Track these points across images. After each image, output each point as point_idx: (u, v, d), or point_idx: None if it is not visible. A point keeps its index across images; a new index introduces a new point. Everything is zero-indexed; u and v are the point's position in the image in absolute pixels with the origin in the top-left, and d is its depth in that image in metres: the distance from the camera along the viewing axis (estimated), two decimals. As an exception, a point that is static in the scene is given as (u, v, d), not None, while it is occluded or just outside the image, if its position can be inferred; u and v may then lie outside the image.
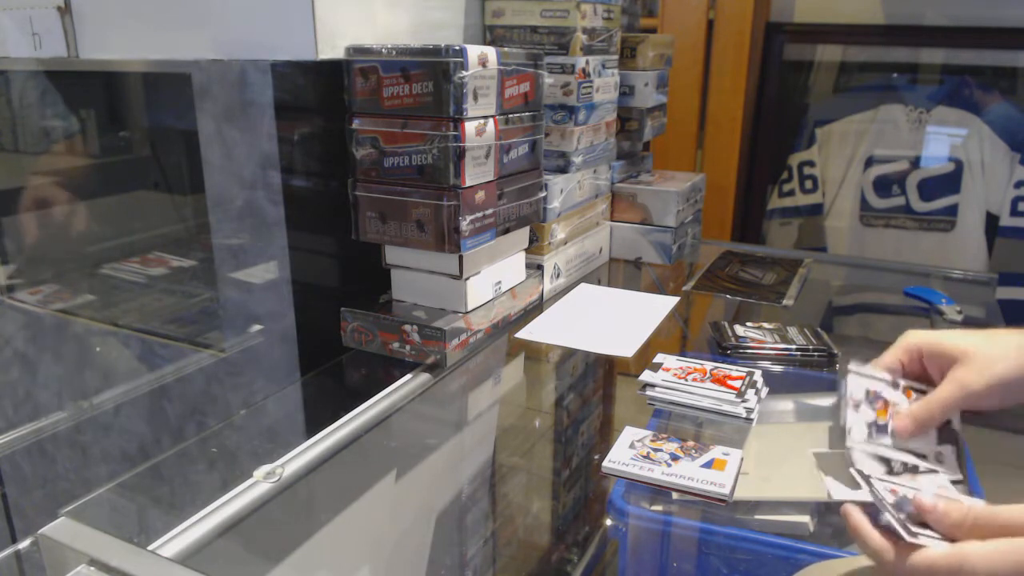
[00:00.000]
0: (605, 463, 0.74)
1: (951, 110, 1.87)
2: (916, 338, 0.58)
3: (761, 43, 1.99)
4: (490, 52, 0.85)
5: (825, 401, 1.02)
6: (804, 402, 1.02)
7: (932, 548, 0.42)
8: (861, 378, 0.58)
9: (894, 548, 0.44)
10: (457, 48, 0.80)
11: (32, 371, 1.17)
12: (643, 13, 2.03)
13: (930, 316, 1.15)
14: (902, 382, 0.58)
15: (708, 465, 0.73)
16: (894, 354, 0.58)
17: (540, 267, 1.08)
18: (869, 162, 1.96)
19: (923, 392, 0.56)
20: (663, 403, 0.83)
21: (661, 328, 1.02)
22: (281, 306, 0.87)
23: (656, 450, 0.75)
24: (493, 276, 0.96)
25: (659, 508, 0.85)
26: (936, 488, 0.50)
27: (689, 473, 0.71)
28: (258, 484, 0.65)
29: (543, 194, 1.02)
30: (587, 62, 1.09)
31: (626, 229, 1.31)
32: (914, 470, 0.52)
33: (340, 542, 0.73)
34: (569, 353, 1.02)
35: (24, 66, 1.05)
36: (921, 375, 0.58)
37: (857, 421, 0.56)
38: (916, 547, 0.42)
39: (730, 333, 1.03)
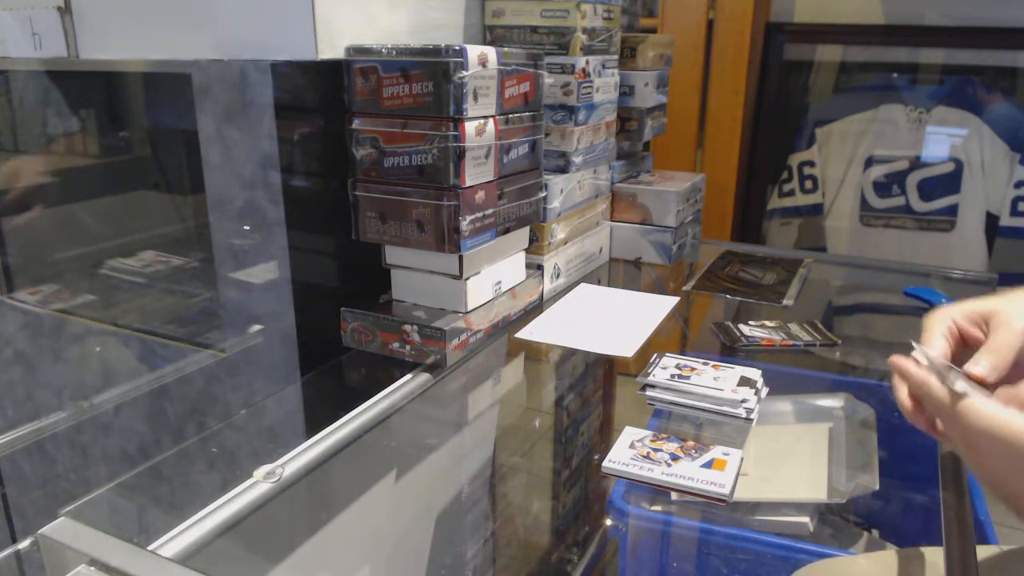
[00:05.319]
0: (605, 463, 0.74)
1: (951, 110, 1.87)
2: (947, 314, 0.57)
3: (761, 43, 1.99)
4: (490, 52, 0.85)
5: (825, 402, 1.02)
6: (804, 402, 1.02)
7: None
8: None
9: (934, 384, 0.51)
10: (457, 48, 0.80)
11: (32, 371, 1.17)
12: (643, 13, 2.03)
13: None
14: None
15: (708, 465, 0.73)
16: (940, 343, 0.56)
17: (540, 267, 1.08)
18: (869, 162, 1.95)
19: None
20: (663, 403, 0.83)
21: (661, 328, 1.02)
22: (281, 306, 0.87)
23: (656, 450, 0.75)
24: (493, 276, 0.96)
25: (659, 508, 0.86)
26: None
27: (689, 473, 0.71)
28: (258, 484, 0.65)
29: (543, 194, 1.02)
30: (587, 62, 1.09)
31: (626, 229, 1.31)
32: None
33: (340, 542, 0.73)
34: (569, 353, 1.02)
35: (24, 66, 1.05)
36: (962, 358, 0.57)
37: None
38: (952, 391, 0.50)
39: (737, 333, 1.03)
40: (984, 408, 0.48)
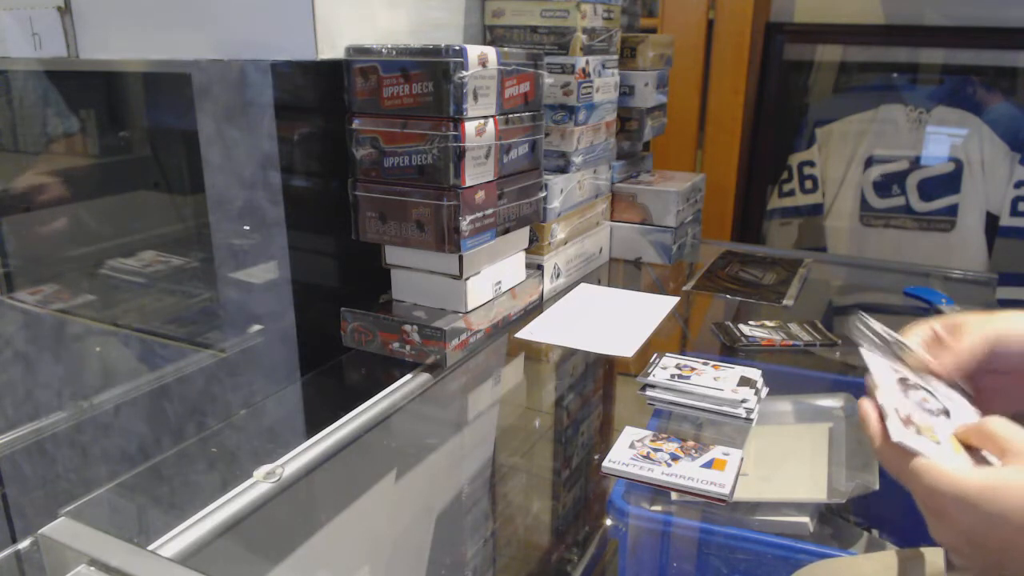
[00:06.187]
0: (605, 463, 0.74)
1: (951, 110, 1.87)
2: (927, 323, 0.59)
3: (761, 43, 1.99)
4: (490, 52, 0.85)
5: (825, 402, 1.02)
6: (804, 402, 1.02)
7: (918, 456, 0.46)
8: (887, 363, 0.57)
9: (882, 438, 0.49)
10: (457, 48, 0.80)
11: (32, 371, 1.17)
12: (643, 13, 2.03)
13: (930, 316, 1.15)
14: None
15: (708, 465, 0.73)
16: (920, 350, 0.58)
17: (540, 267, 1.08)
18: (869, 162, 1.95)
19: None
20: (663, 403, 0.83)
21: (661, 328, 1.02)
22: (281, 306, 0.87)
23: (656, 450, 0.75)
24: (493, 276, 0.96)
25: (659, 508, 0.86)
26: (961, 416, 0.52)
27: (689, 473, 0.71)
28: (258, 484, 0.65)
29: (543, 194, 1.02)
30: (587, 62, 1.09)
31: (626, 229, 1.31)
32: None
33: (340, 542, 0.73)
34: (569, 353, 1.02)
35: (24, 66, 1.05)
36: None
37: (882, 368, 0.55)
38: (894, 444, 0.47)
39: (737, 333, 1.03)
40: (948, 470, 0.44)
